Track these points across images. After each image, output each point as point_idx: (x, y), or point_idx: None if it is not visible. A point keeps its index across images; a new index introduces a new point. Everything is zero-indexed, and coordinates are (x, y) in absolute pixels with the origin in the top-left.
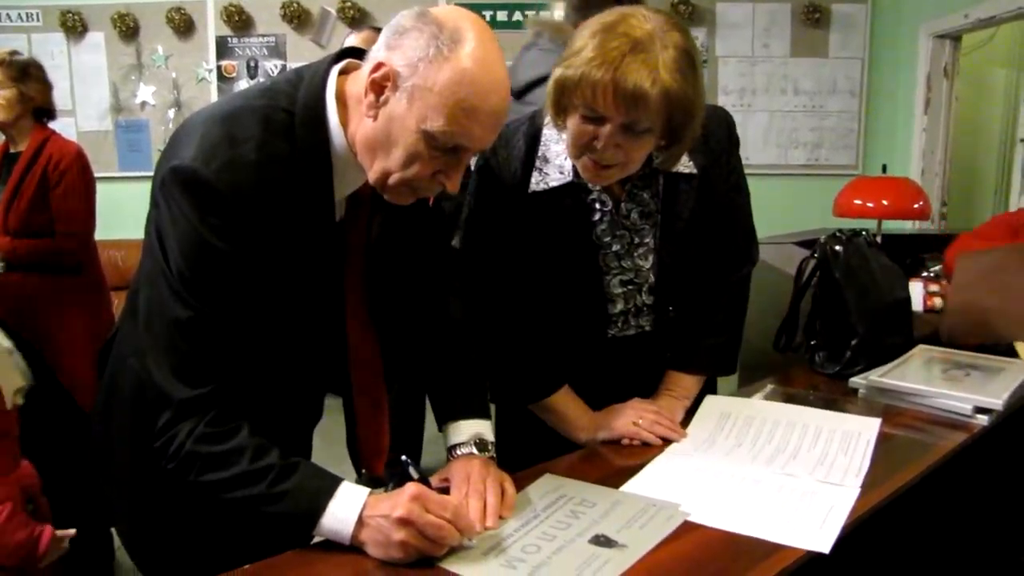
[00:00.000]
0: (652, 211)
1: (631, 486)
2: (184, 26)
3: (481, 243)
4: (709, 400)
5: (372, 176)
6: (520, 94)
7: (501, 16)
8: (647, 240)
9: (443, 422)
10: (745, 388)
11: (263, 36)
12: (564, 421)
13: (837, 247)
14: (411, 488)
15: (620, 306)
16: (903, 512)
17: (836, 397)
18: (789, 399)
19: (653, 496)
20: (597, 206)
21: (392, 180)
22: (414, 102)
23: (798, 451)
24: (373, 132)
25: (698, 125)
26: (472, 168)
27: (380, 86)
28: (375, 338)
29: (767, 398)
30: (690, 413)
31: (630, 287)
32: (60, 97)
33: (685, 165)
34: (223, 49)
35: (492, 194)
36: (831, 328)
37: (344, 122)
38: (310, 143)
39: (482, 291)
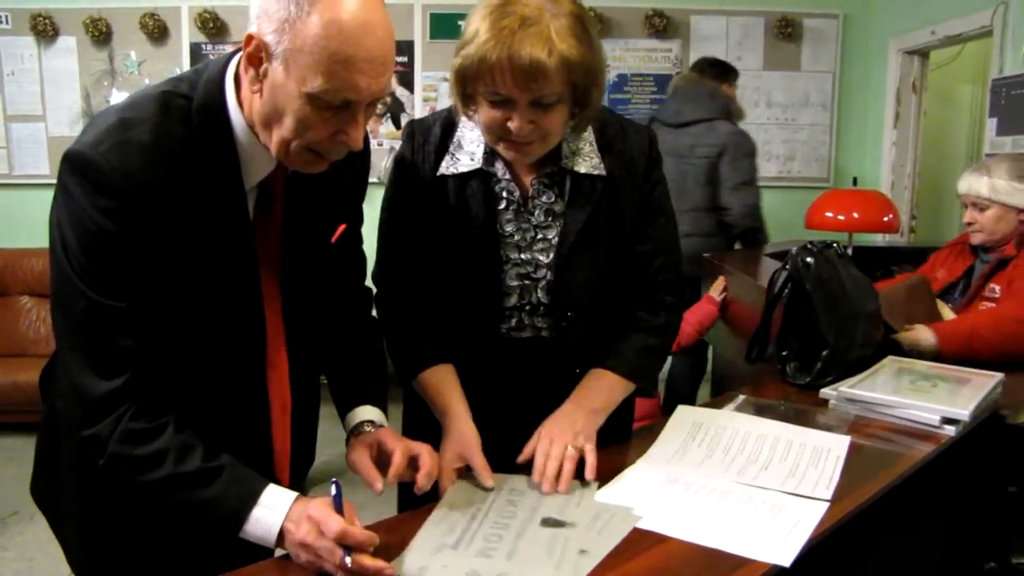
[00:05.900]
0: (557, 211)
1: (603, 495)
2: (158, 32)
3: (395, 228)
4: (681, 410)
5: (274, 149)
6: (680, 126)
7: None
8: (551, 236)
9: (348, 408)
10: (716, 399)
11: (238, 43)
12: (432, 403)
13: (808, 259)
14: (311, 508)
15: (514, 300)
16: (870, 520)
17: (807, 408)
18: (760, 410)
19: (625, 505)
20: (504, 195)
21: (293, 147)
22: (290, 67)
23: (769, 463)
24: (263, 107)
25: (602, 85)
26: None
27: (257, 59)
28: (284, 330)
29: (739, 409)
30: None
31: (526, 282)
32: (30, 102)
33: (594, 167)
34: (197, 56)
35: (407, 180)
36: (802, 339)
37: (241, 103)
38: (206, 126)
39: (394, 274)
